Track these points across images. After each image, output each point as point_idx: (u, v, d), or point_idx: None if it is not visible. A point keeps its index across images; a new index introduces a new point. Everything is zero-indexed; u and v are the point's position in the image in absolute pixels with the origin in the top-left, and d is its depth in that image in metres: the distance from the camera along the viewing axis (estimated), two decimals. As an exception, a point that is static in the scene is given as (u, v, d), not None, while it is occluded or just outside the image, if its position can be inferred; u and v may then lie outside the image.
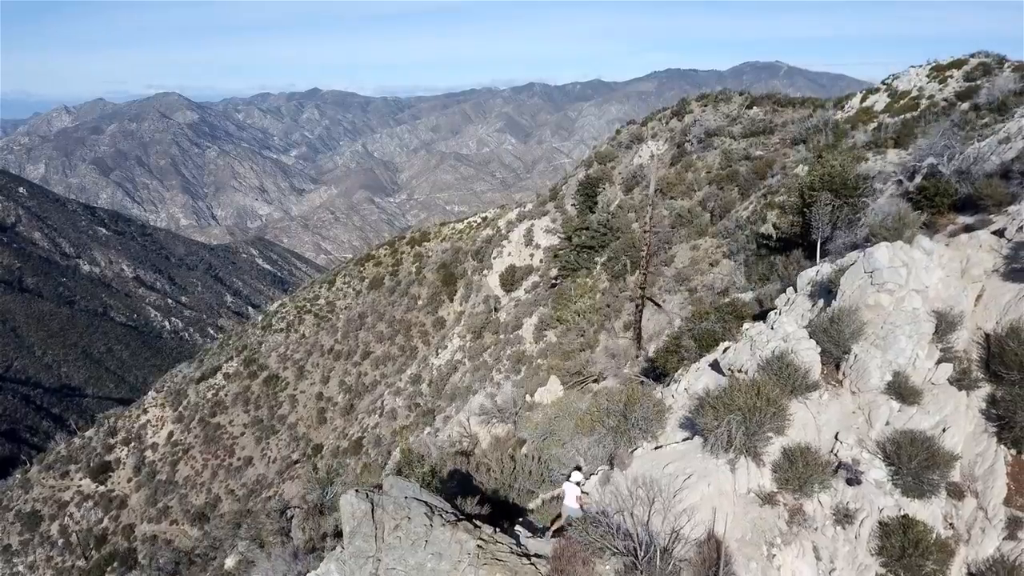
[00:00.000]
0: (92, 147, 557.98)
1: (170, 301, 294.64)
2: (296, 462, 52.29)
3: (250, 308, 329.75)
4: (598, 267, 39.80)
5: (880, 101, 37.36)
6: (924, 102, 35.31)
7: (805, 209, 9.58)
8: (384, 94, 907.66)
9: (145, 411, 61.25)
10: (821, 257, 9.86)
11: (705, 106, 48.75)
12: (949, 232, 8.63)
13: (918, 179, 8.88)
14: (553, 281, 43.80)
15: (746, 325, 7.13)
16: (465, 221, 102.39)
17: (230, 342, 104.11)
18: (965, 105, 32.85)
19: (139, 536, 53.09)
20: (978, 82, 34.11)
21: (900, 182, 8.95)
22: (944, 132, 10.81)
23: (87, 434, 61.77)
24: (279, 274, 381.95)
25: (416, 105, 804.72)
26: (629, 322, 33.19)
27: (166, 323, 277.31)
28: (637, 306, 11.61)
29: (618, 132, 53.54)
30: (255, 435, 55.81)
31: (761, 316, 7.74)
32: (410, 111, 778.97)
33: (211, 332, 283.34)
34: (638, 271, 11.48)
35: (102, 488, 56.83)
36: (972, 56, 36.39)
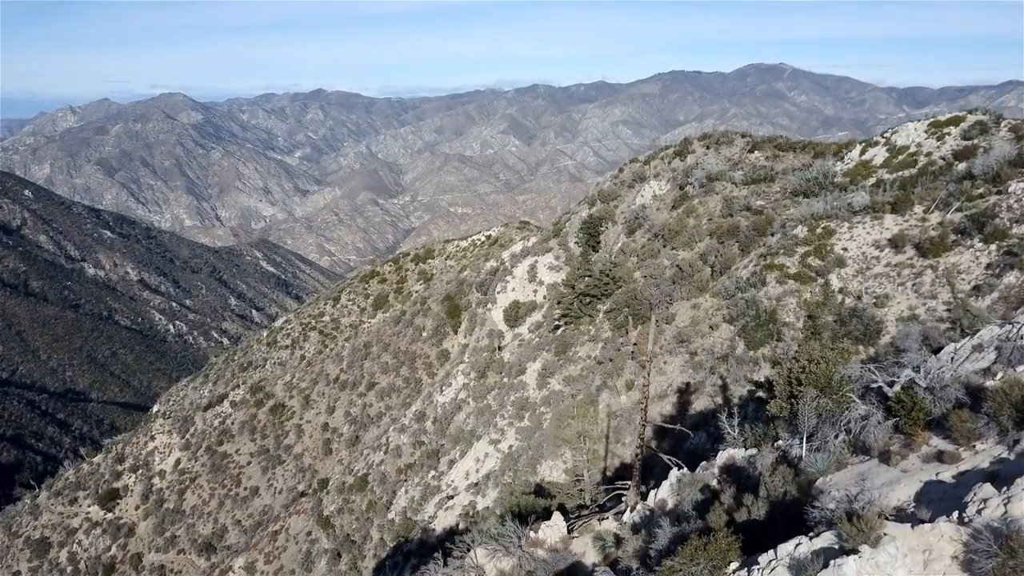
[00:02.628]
0: (97, 147, 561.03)
1: (174, 304, 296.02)
2: (303, 494, 53.01)
3: (254, 311, 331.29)
4: (600, 315, 40.46)
5: (879, 155, 37.93)
6: (922, 159, 35.91)
7: (792, 400, 10.33)
8: (388, 95, 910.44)
9: (153, 437, 61.99)
10: (807, 442, 10.51)
11: (707, 147, 49.38)
12: (923, 456, 9.30)
13: (897, 387, 9.57)
14: (556, 323, 44.45)
15: (733, 566, 7.80)
16: (469, 239, 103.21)
17: (235, 358, 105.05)
18: (962, 166, 33.45)
19: (147, 566, 53.89)
20: (974, 141, 34.68)
21: (881, 388, 9.63)
22: (920, 346, 11.47)
23: (95, 460, 62.59)
24: (283, 277, 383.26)
25: (420, 106, 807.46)
26: (631, 381, 33.89)
27: (170, 327, 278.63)
28: (637, 455, 12.19)
29: (621, 170, 54.18)
30: (261, 465, 56.52)
31: (751, 542, 8.39)
32: (414, 112, 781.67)
33: (215, 336, 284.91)
34: (638, 437, 11.92)
35: (110, 515, 57.59)
36: (969, 112, 36.94)
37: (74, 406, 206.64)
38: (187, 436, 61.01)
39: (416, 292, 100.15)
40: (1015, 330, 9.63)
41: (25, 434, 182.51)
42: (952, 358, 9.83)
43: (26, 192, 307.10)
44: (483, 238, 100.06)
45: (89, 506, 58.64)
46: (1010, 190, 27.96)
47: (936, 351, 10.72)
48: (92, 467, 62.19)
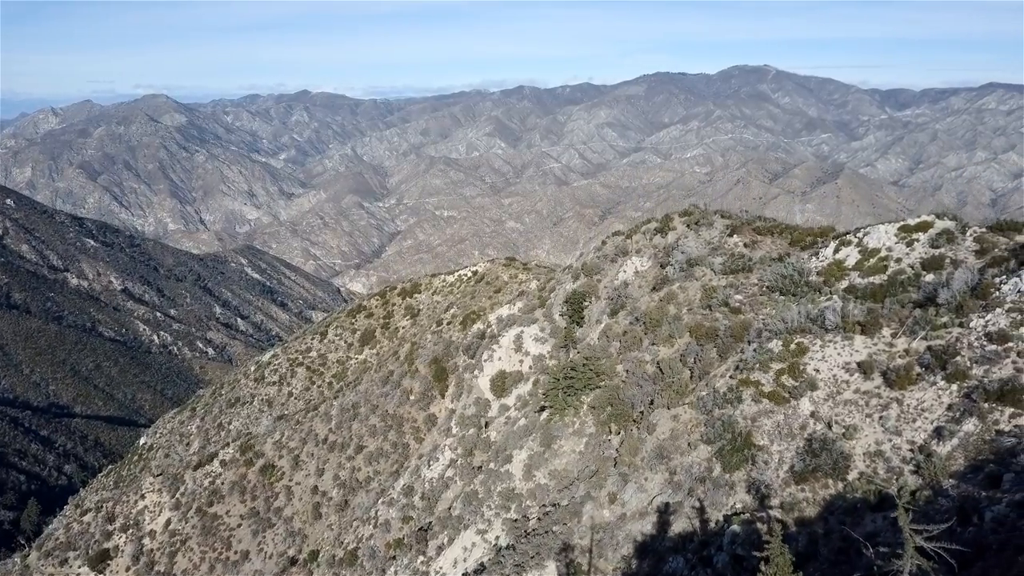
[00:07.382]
0: (79, 150, 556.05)
1: (159, 314, 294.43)
2: (293, 561, 53.92)
3: (239, 319, 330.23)
4: (584, 407, 41.74)
5: (851, 256, 39.44)
6: (892, 264, 37.45)
7: None
8: (374, 95, 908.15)
9: (143, 496, 62.64)
10: None
11: (688, 226, 50.70)
12: None
13: None
14: (542, 405, 45.62)
15: None
16: (455, 274, 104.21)
17: (223, 392, 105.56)
18: (929, 277, 34.97)
19: (139, 633, 54.68)
20: (941, 251, 36.25)
21: None
22: None
23: (85, 519, 63.17)
24: (268, 284, 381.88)
25: (406, 108, 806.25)
26: (614, 494, 35.15)
27: (155, 337, 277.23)
28: None
29: (603, 243, 55.46)
30: (252, 528, 57.29)
31: None
32: (399, 114, 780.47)
33: (200, 346, 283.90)
34: None
35: (101, 577, 58.29)
36: (937, 218, 38.43)
37: (58, 422, 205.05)
38: (177, 495, 61.70)
39: (403, 328, 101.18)
40: None
41: (8, 452, 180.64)
42: None
43: (8, 200, 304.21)
44: (469, 273, 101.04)
45: (80, 567, 59.22)
46: (971, 325, 29.38)
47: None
48: (82, 526, 62.70)
